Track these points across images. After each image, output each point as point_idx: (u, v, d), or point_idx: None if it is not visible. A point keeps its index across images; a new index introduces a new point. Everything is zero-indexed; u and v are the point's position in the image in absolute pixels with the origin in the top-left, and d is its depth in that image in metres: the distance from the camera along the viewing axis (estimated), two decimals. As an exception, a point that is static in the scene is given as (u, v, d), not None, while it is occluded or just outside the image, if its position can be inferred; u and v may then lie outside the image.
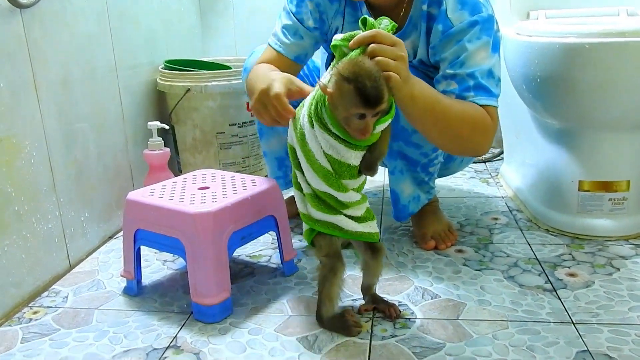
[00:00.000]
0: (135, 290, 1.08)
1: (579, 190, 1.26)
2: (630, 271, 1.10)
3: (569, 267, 1.13)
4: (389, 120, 0.83)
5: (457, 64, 1.01)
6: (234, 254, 1.25)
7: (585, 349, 0.86)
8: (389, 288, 1.08)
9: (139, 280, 1.10)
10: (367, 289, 1.02)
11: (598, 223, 1.26)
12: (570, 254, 1.19)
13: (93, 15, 1.32)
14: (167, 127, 1.45)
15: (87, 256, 1.27)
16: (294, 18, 1.14)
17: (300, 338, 0.92)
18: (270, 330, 0.95)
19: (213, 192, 1.05)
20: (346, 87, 0.77)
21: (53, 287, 1.14)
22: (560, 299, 1.01)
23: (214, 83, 1.54)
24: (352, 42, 0.82)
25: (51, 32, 1.16)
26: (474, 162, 1.91)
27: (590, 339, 0.89)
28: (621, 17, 1.42)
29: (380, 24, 0.84)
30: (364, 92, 0.76)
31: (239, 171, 1.63)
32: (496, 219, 1.41)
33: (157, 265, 1.21)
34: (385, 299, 1.01)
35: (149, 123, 1.41)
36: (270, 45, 1.17)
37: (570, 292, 1.03)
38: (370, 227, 0.93)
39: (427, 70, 1.10)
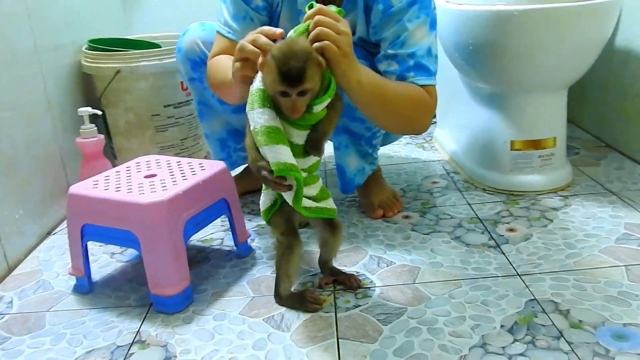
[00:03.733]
0: (87, 288, 1.04)
1: (511, 149, 1.34)
2: (562, 221, 1.20)
3: (508, 223, 1.21)
4: (327, 100, 0.83)
5: (397, 44, 1.03)
6: (185, 240, 1.23)
7: (533, 297, 0.94)
8: (345, 259, 1.10)
9: (89, 277, 1.06)
10: (325, 263, 1.04)
11: (530, 179, 1.35)
12: (507, 210, 1.27)
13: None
14: (99, 112, 1.37)
15: (25, 256, 1.20)
16: (239, 1, 1.09)
17: (267, 318, 0.93)
18: (235, 314, 0.95)
19: (161, 179, 1.02)
20: (272, 64, 0.78)
21: (-6, 292, 1.07)
22: (504, 254, 1.08)
23: (144, 63, 1.47)
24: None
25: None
26: (409, 128, 1.97)
27: (535, 288, 0.96)
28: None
29: None
30: (283, 70, 0.77)
31: (177, 154, 1.59)
32: (436, 182, 1.47)
33: (105, 259, 1.17)
34: (344, 271, 1.04)
35: (80, 109, 1.33)
36: (221, 34, 1.12)
37: (512, 247, 1.11)
38: (327, 204, 0.95)
39: (368, 47, 1.11)
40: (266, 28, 0.85)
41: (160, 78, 1.50)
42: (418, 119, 1.06)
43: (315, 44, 0.81)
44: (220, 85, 1.04)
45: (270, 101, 0.82)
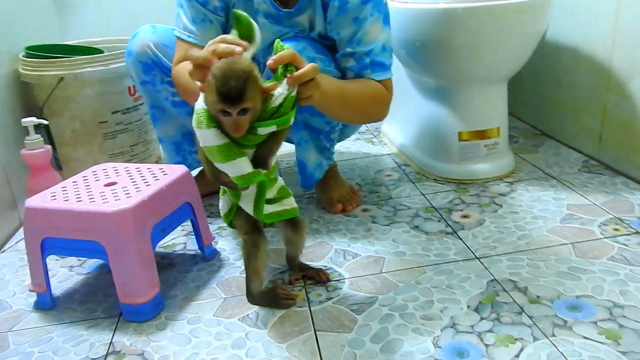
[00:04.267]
0: (50, 303, 1.00)
1: (459, 140, 1.41)
2: (510, 206, 1.27)
3: (461, 210, 1.27)
4: (272, 126, 0.82)
5: (354, 42, 1.07)
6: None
7: (493, 278, 1.00)
8: (311, 255, 1.13)
9: (50, 292, 1.02)
10: (292, 260, 1.06)
11: (477, 167, 1.42)
12: (459, 198, 1.33)
13: None
14: (45, 122, 1.32)
15: (-25, 276, 1.14)
16: (196, 4, 1.09)
17: (242, 318, 0.94)
18: (209, 316, 0.95)
19: (123, 186, 1.00)
20: (212, 83, 0.77)
21: (-55, 316, 1.01)
22: (461, 239, 1.14)
23: (89, 69, 1.42)
24: (271, 61, 0.82)
25: None
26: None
27: (494, 269, 1.02)
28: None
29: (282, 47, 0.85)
30: (222, 88, 0.76)
31: (128, 160, 1.55)
32: (389, 175, 1.52)
33: (63, 273, 1.13)
34: (312, 266, 1.06)
35: (24, 120, 1.27)
36: (182, 39, 1.11)
37: (468, 232, 1.17)
38: (286, 205, 0.96)
39: (326, 42, 1.14)
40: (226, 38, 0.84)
41: (107, 84, 1.46)
42: (376, 112, 1.13)
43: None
44: (191, 94, 1.02)
45: (215, 120, 0.82)
